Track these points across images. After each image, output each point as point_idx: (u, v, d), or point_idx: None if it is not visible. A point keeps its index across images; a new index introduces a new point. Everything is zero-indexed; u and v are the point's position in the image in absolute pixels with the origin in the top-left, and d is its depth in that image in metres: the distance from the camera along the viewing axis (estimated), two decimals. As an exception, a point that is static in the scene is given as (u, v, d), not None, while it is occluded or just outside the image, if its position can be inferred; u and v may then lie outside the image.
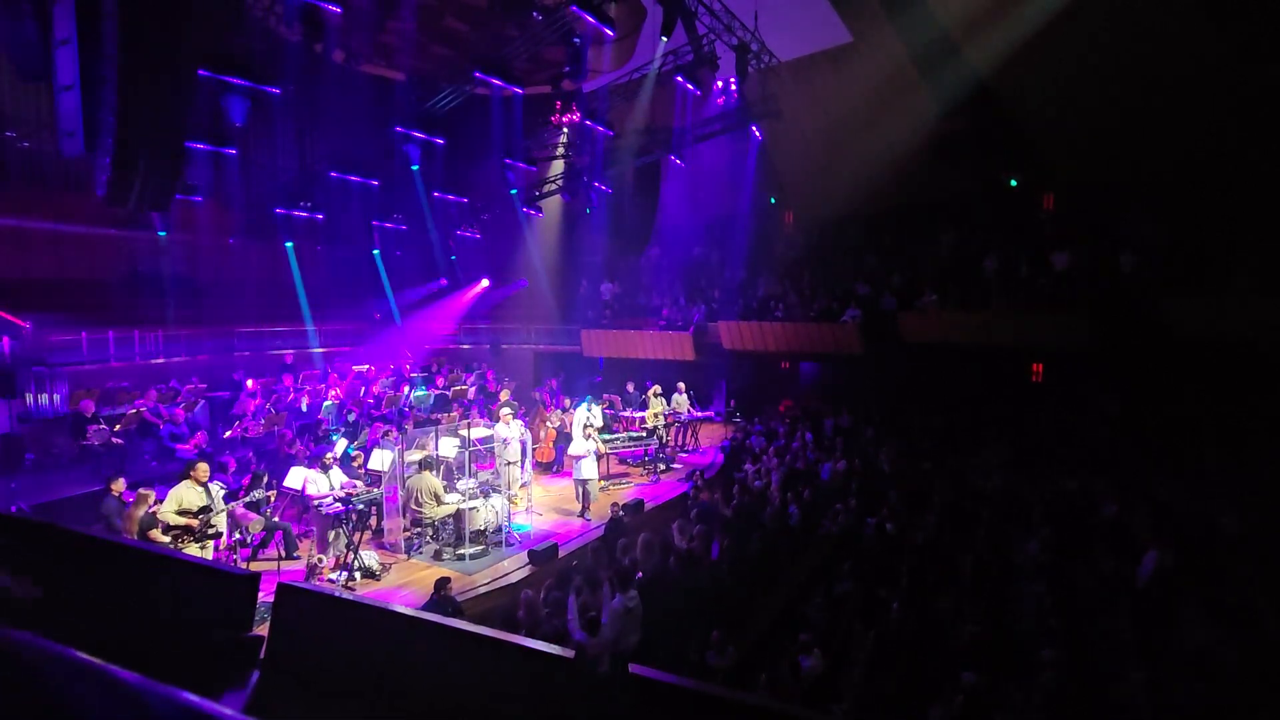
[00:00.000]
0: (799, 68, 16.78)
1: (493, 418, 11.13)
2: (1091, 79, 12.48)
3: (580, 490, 10.33)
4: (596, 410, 12.48)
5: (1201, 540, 7.82)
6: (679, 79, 15.07)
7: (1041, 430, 12.71)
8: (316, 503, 8.16)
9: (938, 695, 5.19)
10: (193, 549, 6.60)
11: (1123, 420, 12.20)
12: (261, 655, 1.73)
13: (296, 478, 8.45)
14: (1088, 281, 12.78)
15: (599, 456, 10.74)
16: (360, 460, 9.90)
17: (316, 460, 8.79)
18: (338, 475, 8.56)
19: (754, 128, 17.11)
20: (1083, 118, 13.29)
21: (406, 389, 14.57)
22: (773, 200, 20.39)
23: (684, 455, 14.07)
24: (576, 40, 13.09)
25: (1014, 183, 15.73)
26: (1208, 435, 10.86)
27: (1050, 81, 12.99)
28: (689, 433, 14.87)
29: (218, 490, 7.11)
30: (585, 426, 10.82)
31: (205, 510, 6.78)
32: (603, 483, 11.67)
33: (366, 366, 16.26)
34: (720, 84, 16.68)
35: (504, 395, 13.56)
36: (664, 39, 13.91)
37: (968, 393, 14.18)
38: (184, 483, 6.84)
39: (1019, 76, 13.06)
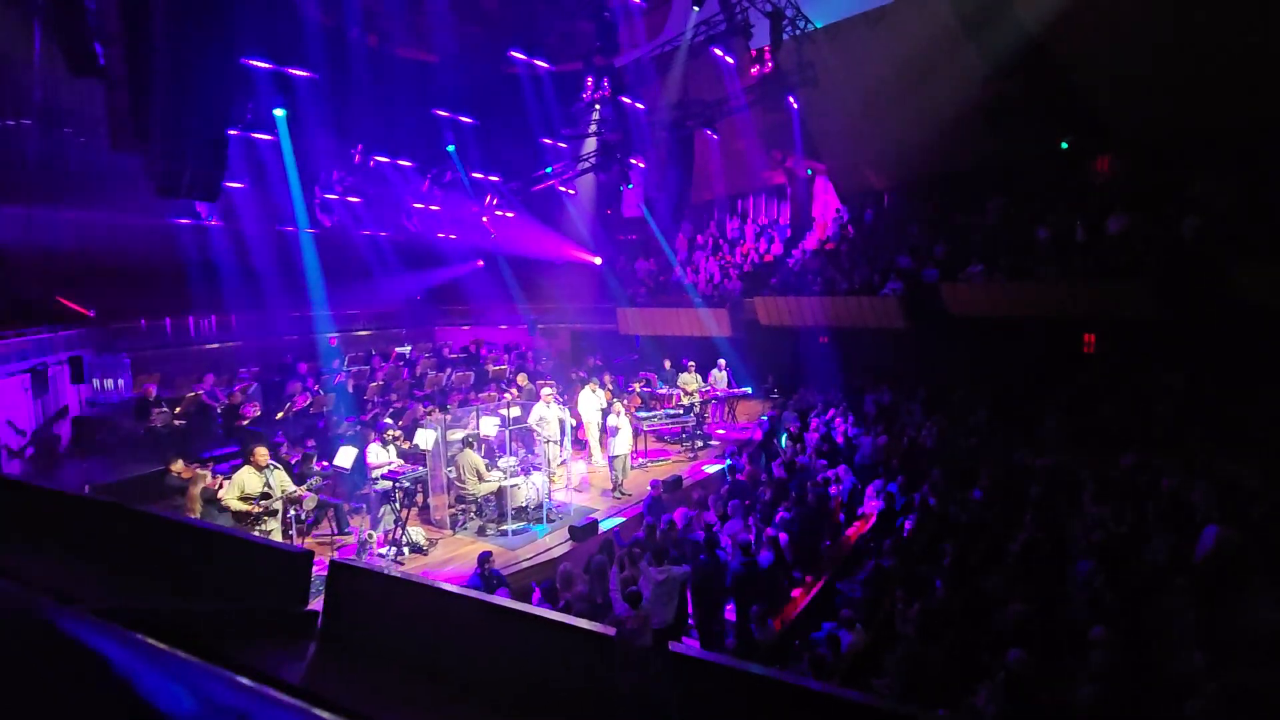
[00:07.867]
0: (836, 32, 16.17)
1: (528, 396, 11.28)
2: (1151, 33, 11.70)
3: (610, 466, 10.48)
4: (599, 392, 12.16)
5: (1267, 518, 7.46)
6: (712, 49, 14.73)
7: (1098, 404, 12.22)
8: (375, 473, 8.48)
9: (984, 673, 5.11)
10: (268, 524, 6.87)
11: (1186, 393, 11.63)
12: (318, 628, 1.81)
13: (346, 456, 8.74)
14: (1147, 248, 12.14)
15: (635, 433, 10.74)
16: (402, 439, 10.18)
17: (380, 434, 9.17)
18: (394, 450, 9.00)
19: (790, 97, 16.62)
20: (1142, 75, 12.48)
21: (449, 370, 14.85)
22: (810, 172, 19.89)
23: (722, 432, 14.05)
24: (607, 14, 12.90)
25: (1065, 145, 14.97)
26: (1276, 409, 10.29)
27: (1106, 36, 12.23)
28: (727, 409, 14.82)
29: (281, 474, 7.23)
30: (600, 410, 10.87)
31: (266, 496, 6.89)
32: (640, 460, 11.74)
33: (408, 348, 16.61)
34: (755, 53, 16.22)
35: (521, 379, 13.61)
36: (696, 9, 13.58)
37: (1017, 367, 13.70)
38: (245, 468, 6.93)
39: (1073, 32, 12.34)
